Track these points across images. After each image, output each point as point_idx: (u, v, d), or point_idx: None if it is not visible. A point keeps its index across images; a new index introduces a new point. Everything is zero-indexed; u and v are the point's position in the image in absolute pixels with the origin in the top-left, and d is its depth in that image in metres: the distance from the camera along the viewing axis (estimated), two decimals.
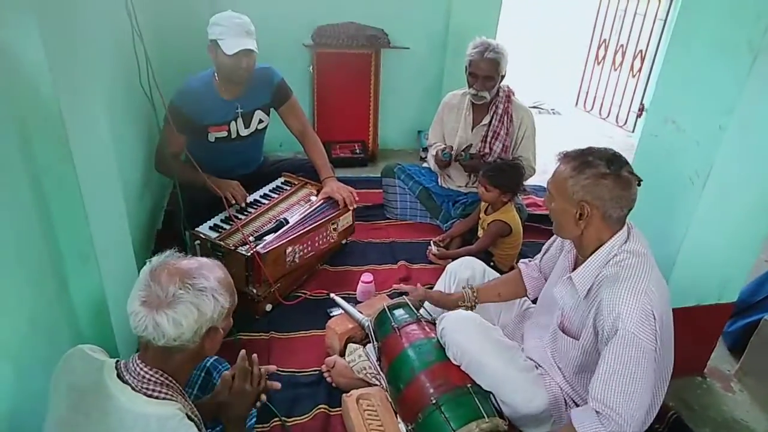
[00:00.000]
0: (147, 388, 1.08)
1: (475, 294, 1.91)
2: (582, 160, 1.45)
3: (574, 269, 1.57)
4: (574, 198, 1.45)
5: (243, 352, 1.43)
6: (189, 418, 1.09)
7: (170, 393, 1.10)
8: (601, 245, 1.49)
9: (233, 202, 2.36)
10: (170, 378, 1.12)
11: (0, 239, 1.16)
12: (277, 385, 1.48)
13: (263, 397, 1.44)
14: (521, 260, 1.96)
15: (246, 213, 2.41)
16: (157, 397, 1.07)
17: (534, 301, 1.94)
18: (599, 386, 1.41)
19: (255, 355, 1.45)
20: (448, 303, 1.93)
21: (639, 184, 1.46)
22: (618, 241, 1.48)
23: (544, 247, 1.88)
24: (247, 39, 2.29)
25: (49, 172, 1.36)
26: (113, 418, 1.03)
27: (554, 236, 1.77)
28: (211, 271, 1.16)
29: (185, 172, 2.36)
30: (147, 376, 1.09)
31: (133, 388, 1.07)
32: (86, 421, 1.05)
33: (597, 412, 1.42)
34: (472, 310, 1.89)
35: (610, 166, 1.42)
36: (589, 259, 1.51)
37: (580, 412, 1.48)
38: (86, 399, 1.06)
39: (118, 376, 1.10)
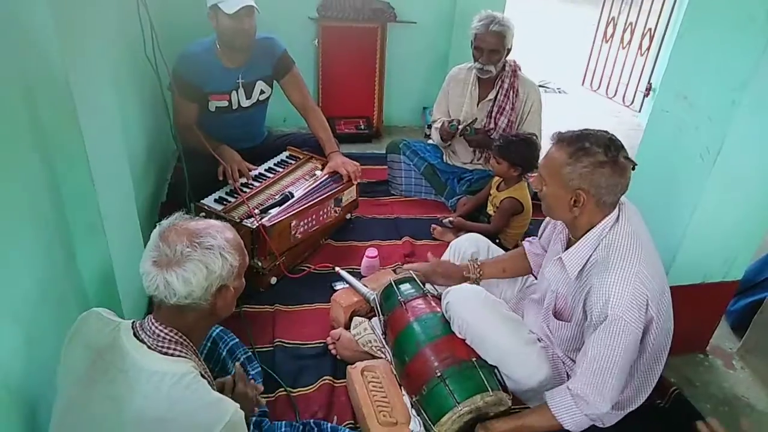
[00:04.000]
0: (162, 346, 1.09)
1: (479, 268, 1.91)
2: (579, 146, 1.42)
3: (567, 250, 1.57)
4: (570, 185, 1.43)
5: (238, 365, 1.44)
6: (202, 376, 1.11)
7: (184, 351, 1.11)
8: (592, 227, 1.49)
9: (231, 180, 2.34)
10: (184, 336, 1.13)
11: (11, 209, 1.17)
12: (263, 401, 1.50)
13: (256, 410, 1.47)
14: (526, 239, 1.96)
15: (251, 186, 2.40)
16: (171, 355, 1.09)
17: (536, 278, 1.94)
18: (581, 372, 1.45)
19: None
20: (453, 273, 1.93)
21: (633, 169, 1.44)
22: (608, 222, 1.47)
23: (541, 228, 1.88)
24: None
25: (57, 142, 1.36)
26: (130, 375, 1.05)
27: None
28: (219, 231, 1.17)
29: (198, 142, 2.34)
30: (162, 334, 1.10)
31: (148, 347, 1.09)
32: (104, 378, 1.06)
33: (572, 393, 1.45)
34: (477, 283, 1.89)
35: (608, 152, 1.40)
36: (580, 241, 1.51)
37: (556, 395, 1.51)
38: (104, 357, 1.08)
39: (135, 335, 1.11)
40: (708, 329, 2.19)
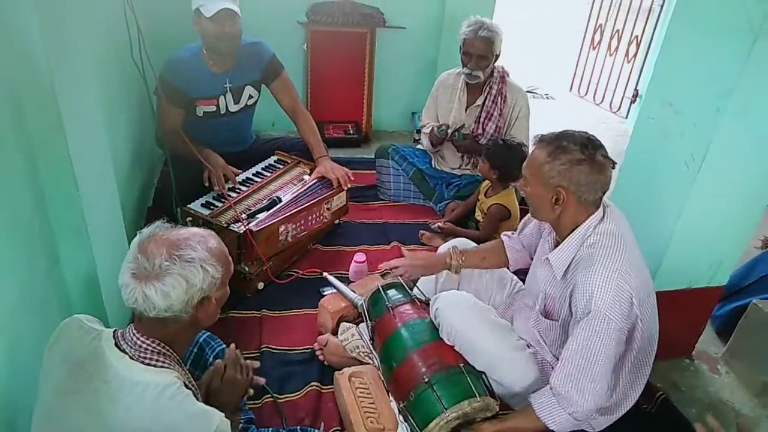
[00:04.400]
0: (144, 357, 1.07)
1: (461, 255, 1.89)
2: (557, 144, 1.46)
3: (553, 250, 1.58)
4: (550, 183, 1.46)
5: (233, 345, 1.44)
6: (186, 386, 1.09)
7: (167, 362, 1.09)
8: (576, 227, 1.51)
9: (216, 186, 2.32)
10: (167, 347, 1.11)
11: None
12: (261, 380, 1.49)
13: (250, 391, 1.45)
14: (504, 233, 1.97)
15: (238, 191, 2.38)
16: (154, 366, 1.07)
17: (524, 282, 1.95)
18: (561, 367, 1.46)
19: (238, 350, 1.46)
20: (435, 262, 1.93)
21: (613, 167, 1.48)
22: (593, 222, 1.50)
23: (521, 225, 1.90)
24: (228, 1, 2.23)
25: (41, 144, 1.35)
26: (113, 386, 1.03)
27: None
28: (200, 242, 1.14)
29: (184, 147, 2.32)
30: (144, 345, 1.08)
31: (130, 357, 1.07)
32: (86, 389, 1.04)
33: (555, 393, 1.46)
34: (458, 271, 1.90)
35: (585, 150, 1.43)
36: (565, 240, 1.53)
37: (539, 395, 1.51)
38: (86, 367, 1.06)
39: (116, 345, 1.09)
40: (694, 334, 2.21)
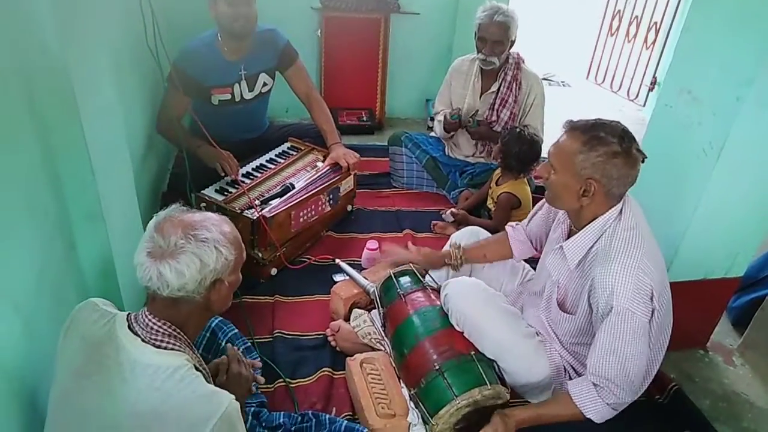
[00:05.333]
0: (155, 339, 1.09)
1: (461, 253, 1.91)
2: (593, 134, 1.41)
3: (568, 239, 1.57)
4: (581, 174, 1.42)
5: (229, 345, 1.45)
6: (196, 369, 1.10)
7: (178, 344, 1.11)
8: (595, 218, 1.48)
9: (223, 174, 2.32)
10: (178, 330, 1.12)
11: (10, 198, 1.17)
12: (261, 379, 1.49)
13: (253, 389, 1.47)
14: (509, 224, 1.96)
15: (252, 177, 2.39)
16: (165, 348, 1.08)
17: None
18: (596, 361, 1.44)
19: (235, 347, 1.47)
20: (435, 261, 1.95)
21: (643, 161, 1.43)
22: (613, 214, 1.47)
23: (531, 213, 1.88)
24: None
25: (57, 130, 1.36)
26: (125, 368, 1.05)
27: (543, 201, 1.76)
28: (215, 224, 1.15)
29: (183, 138, 2.33)
30: (155, 327, 1.10)
31: (142, 340, 1.08)
32: (100, 370, 1.06)
33: (594, 384, 1.45)
34: (457, 269, 1.91)
35: (622, 143, 1.39)
36: (582, 230, 1.51)
37: (578, 384, 1.50)
38: (101, 350, 1.08)
39: (129, 327, 1.10)
40: (709, 325, 2.19)
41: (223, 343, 1.60)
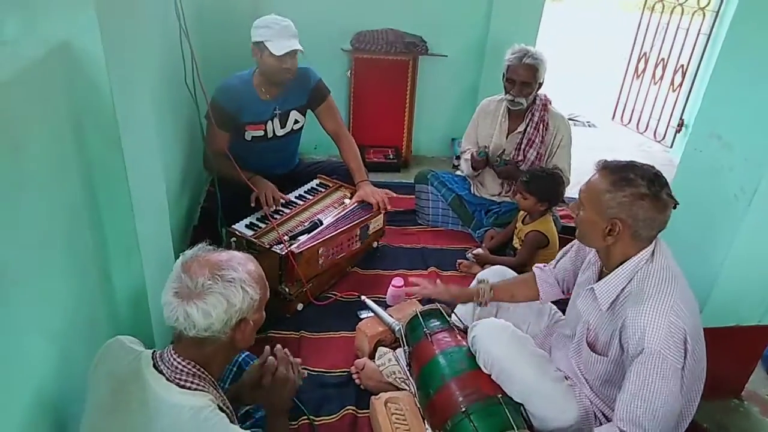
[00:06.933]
0: (180, 379, 1.10)
1: (489, 289, 1.89)
2: (622, 175, 1.42)
3: (599, 280, 1.55)
4: (607, 213, 1.42)
5: (267, 347, 1.45)
6: (221, 409, 1.11)
7: (202, 384, 1.12)
8: (626, 260, 1.47)
9: (265, 206, 2.37)
10: (202, 369, 1.14)
11: (52, 230, 1.21)
12: (305, 373, 1.50)
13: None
14: (536, 264, 1.95)
15: (281, 213, 2.44)
16: (189, 388, 1.10)
17: (564, 312, 1.91)
18: (625, 405, 1.40)
19: (285, 349, 1.47)
20: (463, 297, 1.94)
21: (675, 207, 1.42)
22: (644, 256, 1.46)
23: (560, 253, 1.87)
24: (294, 40, 2.35)
25: (100, 165, 1.41)
26: (150, 406, 1.06)
27: (572, 243, 1.75)
28: (241, 264, 1.18)
29: (230, 169, 2.39)
30: (180, 366, 1.11)
31: (167, 378, 1.10)
32: (126, 408, 1.07)
33: (621, 430, 1.40)
34: (486, 305, 1.90)
35: (651, 186, 1.39)
36: (613, 272, 1.49)
37: (604, 430, 1.46)
38: (126, 387, 1.09)
39: (154, 366, 1.12)
40: (743, 374, 2.12)
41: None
